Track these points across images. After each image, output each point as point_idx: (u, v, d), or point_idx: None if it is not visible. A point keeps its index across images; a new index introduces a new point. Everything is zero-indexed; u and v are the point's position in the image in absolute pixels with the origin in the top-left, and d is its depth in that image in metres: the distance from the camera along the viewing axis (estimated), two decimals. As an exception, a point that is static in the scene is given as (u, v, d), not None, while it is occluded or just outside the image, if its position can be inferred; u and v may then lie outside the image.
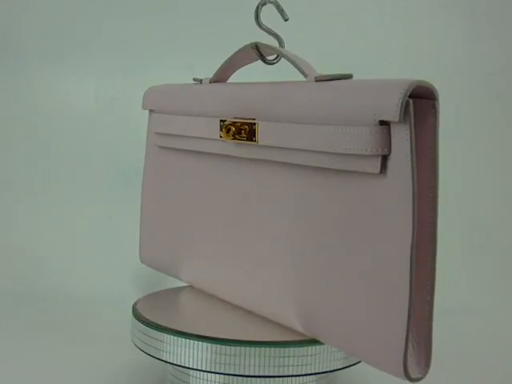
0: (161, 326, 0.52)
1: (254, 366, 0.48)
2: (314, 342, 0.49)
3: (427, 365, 0.44)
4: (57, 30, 0.99)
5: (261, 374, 0.49)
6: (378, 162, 0.42)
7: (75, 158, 0.99)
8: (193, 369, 0.50)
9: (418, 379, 0.43)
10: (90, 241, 0.95)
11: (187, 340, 0.50)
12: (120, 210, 0.97)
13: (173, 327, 0.51)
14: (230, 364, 0.49)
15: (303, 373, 0.49)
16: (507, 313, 0.87)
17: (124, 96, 1.01)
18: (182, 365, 0.50)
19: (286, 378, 0.51)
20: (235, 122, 0.51)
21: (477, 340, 0.77)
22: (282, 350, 0.48)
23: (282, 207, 0.50)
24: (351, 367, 0.52)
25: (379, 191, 0.42)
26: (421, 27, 1.02)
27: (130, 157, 0.99)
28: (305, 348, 0.49)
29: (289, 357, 0.48)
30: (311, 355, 0.49)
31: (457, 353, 0.72)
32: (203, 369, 0.50)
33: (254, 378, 0.51)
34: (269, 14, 0.57)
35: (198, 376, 0.53)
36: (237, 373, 0.49)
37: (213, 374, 0.51)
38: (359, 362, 0.53)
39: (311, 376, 0.52)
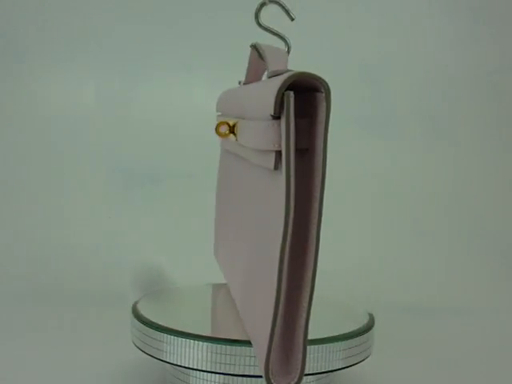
0: (161, 326, 0.52)
1: (254, 366, 0.48)
2: (314, 342, 0.49)
3: (296, 376, 0.41)
4: (57, 30, 0.99)
5: (261, 374, 0.48)
6: (272, 158, 0.40)
7: (75, 157, 0.99)
8: (193, 369, 0.50)
9: None
10: (90, 241, 0.95)
11: (187, 340, 0.50)
12: (120, 210, 0.97)
13: (173, 327, 0.51)
14: (230, 364, 0.49)
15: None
16: (507, 313, 0.87)
17: (124, 96, 1.01)
18: (182, 365, 0.50)
19: (285, 378, 0.51)
20: (227, 122, 0.52)
21: (477, 340, 0.77)
22: (282, 349, 0.48)
23: (243, 205, 0.51)
24: (351, 367, 0.53)
25: (275, 189, 0.40)
26: (421, 27, 1.02)
27: (129, 157, 0.99)
28: (305, 348, 0.49)
29: (289, 357, 0.48)
30: (311, 355, 0.49)
31: (457, 353, 0.72)
32: (203, 369, 0.50)
33: (253, 378, 0.51)
34: (272, 15, 0.57)
35: (197, 376, 0.53)
36: (237, 373, 0.49)
37: (213, 374, 0.51)
38: (359, 361, 0.53)
39: (311, 376, 0.52)
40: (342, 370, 0.52)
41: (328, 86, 0.38)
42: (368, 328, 0.54)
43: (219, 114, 0.65)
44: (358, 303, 0.61)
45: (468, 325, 0.82)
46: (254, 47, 0.55)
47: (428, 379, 0.65)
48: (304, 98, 0.38)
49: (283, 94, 0.37)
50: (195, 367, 0.50)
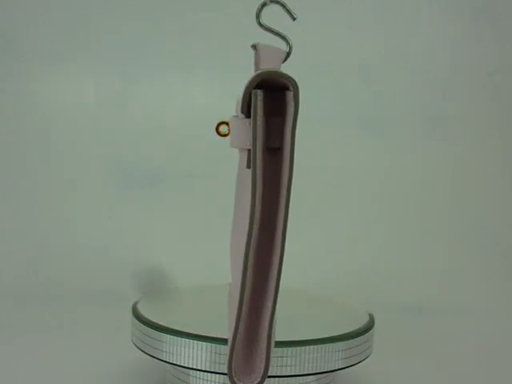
0: (161, 326, 0.52)
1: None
2: (314, 342, 0.49)
3: (260, 376, 0.41)
4: (57, 30, 0.99)
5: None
6: (244, 156, 0.40)
7: (75, 157, 0.99)
8: (193, 369, 0.50)
9: None
10: (89, 241, 0.95)
11: (187, 340, 0.50)
12: (120, 210, 0.97)
13: (173, 327, 0.51)
14: (229, 364, 0.49)
15: (303, 373, 0.49)
16: (507, 313, 0.87)
17: (124, 96, 1.01)
18: (182, 365, 0.50)
19: (285, 378, 0.51)
20: (227, 122, 0.52)
21: (477, 340, 0.77)
22: (282, 349, 0.48)
23: (240, 205, 0.51)
24: (351, 367, 0.53)
25: (248, 188, 0.40)
26: (421, 27, 1.02)
27: (129, 157, 0.99)
28: (305, 348, 0.49)
29: (289, 357, 0.48)
30: (311, 355, 0.49)
31: (457, 353, 0.72)
32: (203, 369, 0.50)
33: (253, 378, 0.51)
34: (274, 14, 0.57)
35: (197, 376, 0.53)
36: (237, 373, 0.49)
37: (213, 374, 0.51)
38: (359, 361, 0.53)
39: (311, 376, 0.52)
40: (342, 370, 0.52)
41: (297, 84, 0.38)
42: (368, 328, 0.54)
43: (235, 115, 0.65)
44: (358, 303, 0.61)
45: (468, 325, 0.82)
46: (254, 47, 0.55)
47: (428, 379, 0.65)
48: (277, 97, 0.38)
49: (251, 93, 0.37)
50: (195, 367, 0.50)
